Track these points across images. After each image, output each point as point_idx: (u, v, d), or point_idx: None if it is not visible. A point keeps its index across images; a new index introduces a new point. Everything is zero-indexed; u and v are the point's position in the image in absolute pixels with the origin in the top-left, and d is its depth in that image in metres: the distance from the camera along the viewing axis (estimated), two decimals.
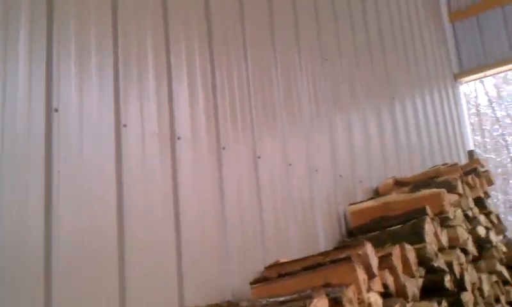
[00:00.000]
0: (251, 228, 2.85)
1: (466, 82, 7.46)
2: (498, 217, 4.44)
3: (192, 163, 2.55)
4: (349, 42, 4.66)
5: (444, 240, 3.35)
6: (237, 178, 2.86)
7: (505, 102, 20.93)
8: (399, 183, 4.21)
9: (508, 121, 21.53)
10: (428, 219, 3.20)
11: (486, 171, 4.55)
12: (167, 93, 2.50)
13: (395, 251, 2.78)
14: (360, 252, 2.48)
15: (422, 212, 3.31)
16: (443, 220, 3.45)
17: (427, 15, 6.88)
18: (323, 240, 3.48)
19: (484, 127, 22.00)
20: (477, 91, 20.90)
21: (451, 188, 3.81)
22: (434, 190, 3.55)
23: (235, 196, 2.79)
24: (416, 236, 3.09)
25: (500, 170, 19.44)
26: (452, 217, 3.49)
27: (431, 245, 3.09)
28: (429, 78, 6.52)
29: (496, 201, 16.88)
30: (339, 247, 2.70)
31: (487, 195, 4.39)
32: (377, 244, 2.96)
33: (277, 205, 3.14)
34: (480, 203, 4.15)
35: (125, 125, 2.19)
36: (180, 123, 2.54)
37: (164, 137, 2.40)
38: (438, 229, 3.30)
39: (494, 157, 20.58)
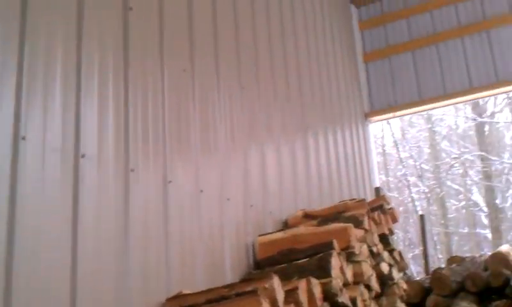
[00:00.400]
0: (155, 255, 2.72)
1: (376, 121, 7.75)
2: (400, 255, 4.56)
3: (96, 183, 2.41)
4: (267, 74, 4.68)
5: (349, 275, 3.38)
6: (145, 202, 2.73)
7: (409, 144, 22.00)
8: (308, 216, 4.23)
9: (411, 162, 22.64)
10: (335, 254, 3.21)
11: (391, 208, 4.69)
12: (74, 107, 2.35)
13: (302, 285, 2.76)
14: (266, 286, 2.43)
15: (329, 246, 3.33)
16: (349, 256, 3.49)
17: (344, 53, 7.11)
18: (230, 271, 3.40)
19: (388, 167, 23.00)
20: (384, 132, 21.86)
21: (358, 224, 3.87)
22: (342, 224, 3.59)
23: (141, 220, 2.66)
24: (323, 271, 3.09)
25: (401, 208, 20.40)
26: (357, 252, 3.53)
27: (336, 281, 3.10)
28: (341, 115, 6.70)
29: (397, 238, 17.61)
30: (245, 280, 2.64)
31: (391, 232, 4.51)
32: (284, 277, 2.94)
33: (185, 232, 3.03)
34: (384, 239, 4.25)
35: (23, 138, 2.02)
36: (86, 140, 2.39)
37: (67, 153, 2.24)
38: (344, 264, 3.33)
39: (396, 195, 21.56)
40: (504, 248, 5.51)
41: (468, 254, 6.83)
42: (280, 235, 3.73)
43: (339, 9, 7.36)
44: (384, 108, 7.40)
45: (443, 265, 5.99)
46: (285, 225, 4.25)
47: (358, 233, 3.80)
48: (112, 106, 2.63)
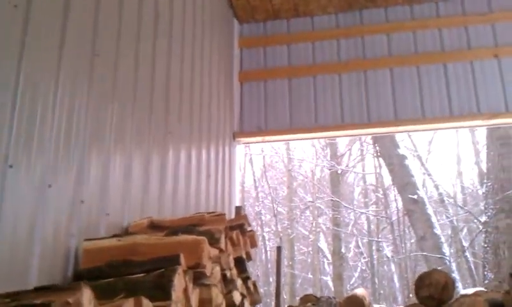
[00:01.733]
0: None
1: (245, 143, 7.11)
2: (255, 285, 3.86)
3: None
4: (130, 75, 3.85)
5: (194, 301, 2.58)
6: None
7: (269, 182, 21.93)
8: (154, 226, 3.39)
9: (267, 202, 22.59)
10: (180, 271, 2.40)
11: (252, 231, 4.00)
12: None
13: (127, 305, 1.92)
14: (70, 300, 1.56)
15: (173, 262, 2.51)
16: (198, 277, 2.70)
17: (220, 67, 6.45)
18: (36, 278, 2.43)
19: (246, 203, 22.81)
20: (245, 170, 21.71)
21: (213, 241, 3.11)
22: (194, 237, 2.80)
23: None
24: (161, 291, 2.27)
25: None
26: (209, 274, 2.76)
27: (176, 305, 2.29)
28: (209, 129, 5.99)
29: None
30: (41, 288, 1.73)
31: (249, 257, 3.81)
32: (108, 294, 2.10)
33: None
34: (240, 264, 3.53)
35: None
36: None
37: None
38: (190, 286, 2.53)
39: None
40: (359, 291, 5.07)
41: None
42: (112, 242, 2.84)
43: (222, 20, 6.72)
44: (254, 131, 6.81)
45: (286, 305, 5.40)
46: (125, 233, 3.36)
47: (212, 251, 3.04)
48: None
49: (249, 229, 3.96)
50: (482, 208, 13.94)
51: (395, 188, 14.58)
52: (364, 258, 19.29)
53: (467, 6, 6.65)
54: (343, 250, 18.02)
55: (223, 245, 3.19)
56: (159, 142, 4.35)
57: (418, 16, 6.75)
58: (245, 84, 7.00)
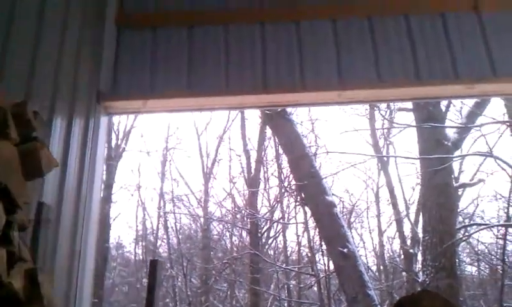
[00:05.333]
0: None
1: (119, 113, 4.64)
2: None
3: None
4: None
5: None
6: None
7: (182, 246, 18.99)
8: None
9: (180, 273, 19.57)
10: None
11: (37, 139, 1.58)
12: None
13: None
14: None
15: None
16: None
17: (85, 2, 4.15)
18: None
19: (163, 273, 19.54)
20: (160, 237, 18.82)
21: None
22: None
23: None
24: None
25: None
26: None
27: None
28: (57, 85, 3.63)
29: None
30: None
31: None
32: None
33: None
34: None
35: None
36: None
37: None
38: None
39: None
40: None
41: None
42: None
43: None
44: (135, 95, 4.37)
45: None
46: None
47: None
48: None
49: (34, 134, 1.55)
50: (420, 266, 12.00)
51: (322, 241, 12.40)
52: None
53: None
54: None
55: None
56: None
57: None
58: (125, 31, 4.61)
